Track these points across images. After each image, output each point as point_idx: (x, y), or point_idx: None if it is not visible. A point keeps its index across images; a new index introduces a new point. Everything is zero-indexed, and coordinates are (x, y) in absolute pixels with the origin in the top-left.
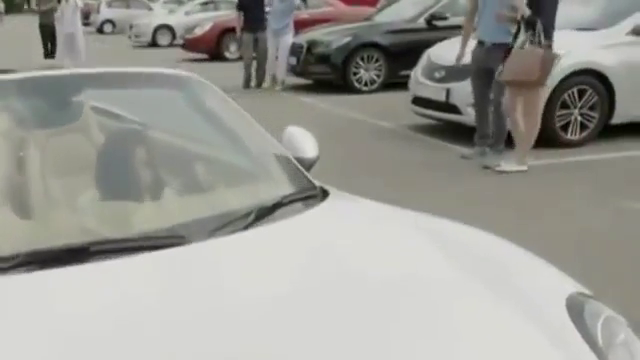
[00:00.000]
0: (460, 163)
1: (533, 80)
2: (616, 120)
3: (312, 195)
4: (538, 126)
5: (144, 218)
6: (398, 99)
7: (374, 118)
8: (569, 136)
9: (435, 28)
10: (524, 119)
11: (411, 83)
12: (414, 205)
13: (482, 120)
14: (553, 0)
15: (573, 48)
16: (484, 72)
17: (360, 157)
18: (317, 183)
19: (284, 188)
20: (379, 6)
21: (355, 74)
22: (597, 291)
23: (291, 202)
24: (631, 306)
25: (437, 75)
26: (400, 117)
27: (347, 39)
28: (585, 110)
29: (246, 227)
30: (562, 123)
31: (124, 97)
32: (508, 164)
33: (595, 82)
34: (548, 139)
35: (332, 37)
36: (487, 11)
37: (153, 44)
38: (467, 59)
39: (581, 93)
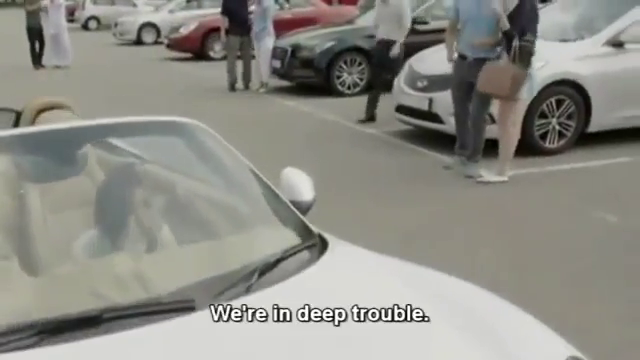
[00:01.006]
0: (441, 172)
1: (502, 95)
2: (592, 129)
3: (312, 245)
4: (517, 137)
5: (152, 277)
6: (380, 103)
7: (356, 122)
8: (547, 144)
9: (416, 32)
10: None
11: (394, 91)
12: (395, 216)
13: (462, 131)
14: (532, 14)
15: (552, 59)
16: (465, 85)
17: (341, 163)
18: (315, 230)
19: (284, 238)
20: (359, 6)
21: (339, 77)
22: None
23: (292, 254)
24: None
25: (420, 84)
26: (382, 122)
27: (331, 43)
28: (563, 119)
29: (249, 288)
30: (541, 132)
31: (127, 146)
32: (489, 174)
33: (572, 92)
34: (527, 147)
35: (316, 41)
36: (468, 27)
37: (138, 42)
38: (449, 69)
39: (559, 103)
